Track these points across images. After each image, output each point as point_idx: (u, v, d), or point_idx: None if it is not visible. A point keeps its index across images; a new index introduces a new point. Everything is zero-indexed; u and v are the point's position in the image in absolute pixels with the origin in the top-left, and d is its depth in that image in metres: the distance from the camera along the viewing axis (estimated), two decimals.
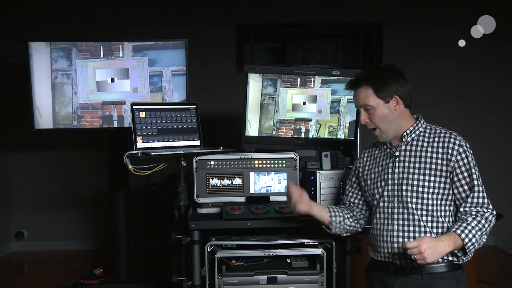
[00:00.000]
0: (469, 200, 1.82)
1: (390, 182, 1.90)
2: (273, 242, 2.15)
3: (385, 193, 1.91)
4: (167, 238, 2.25)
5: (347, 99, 2.44)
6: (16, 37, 4.15)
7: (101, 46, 3.03)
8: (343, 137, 2.48)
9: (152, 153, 2.20)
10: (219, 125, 4.19)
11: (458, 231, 1.75)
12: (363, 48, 4.57)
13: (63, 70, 3.03)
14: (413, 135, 1.90)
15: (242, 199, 2.30)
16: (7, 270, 4.02)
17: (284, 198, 2.30)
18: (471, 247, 1.76)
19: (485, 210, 1.80)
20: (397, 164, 1.89)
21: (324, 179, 2.34)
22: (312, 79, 2.43)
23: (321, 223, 2.04)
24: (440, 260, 1.79)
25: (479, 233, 1.76)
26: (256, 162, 2.32)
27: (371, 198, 1.98)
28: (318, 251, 2.13)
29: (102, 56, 3.04)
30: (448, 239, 1.74)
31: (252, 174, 2.31)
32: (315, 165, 2.44)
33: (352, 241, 2.27)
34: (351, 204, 2.10)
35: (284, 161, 2.32)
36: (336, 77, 2.42)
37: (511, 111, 4.44)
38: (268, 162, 2.32)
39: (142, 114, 2.34)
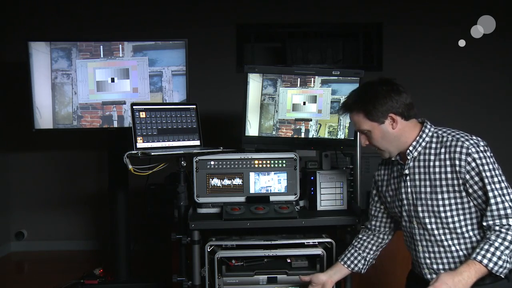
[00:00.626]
0: (488, 213, 1.61)
1: (405, 202, 1.79)
2: (273, 242, 2.15)
3: (404, 213, 1.81)
4: (167, 238, 2.25)
5: None
6: (16, 37, 4.16)
7: (101, 46, 3.03)
8: (343, 137, 2.48)
9: (152, 153, 2.20)
10: (219, 125, 4.19)
11: (479, 257, 1.56)
12: (363, 48, 4.57)
13: (63, 70, 3.03)
14: (419, 149, 1.74)
15: (242, 199, 2.30)
16: (7, 270, 4.02)
17: (284, 198, 2.31)
18: (501, 269, 1.55)
19: (511, 223, 1.58)
20: (408, 184, 1.77)
21: (324, 179, 2.34)
22: (312, 79, 2.42)
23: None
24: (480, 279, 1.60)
25: (506, 251, 1.55)
26: (256, 162, 2.32)
27: (394, 215, 1.91)
28: (318, 251, 2.13)
29: (102, 56, 3.04)
30: (468, 269, 1.56)
31: (252, 174, 2.31)
32: (315, 165, 2.44)
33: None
34: (375, 228, 2.01)
35: (284, 161, 2.32)
36: (336, 77, 2.42)
37: (511, 111, 4.44)
38: (268, 162, 2.32)
39: (142, 114, 2.34)
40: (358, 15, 4.43)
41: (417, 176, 1.75)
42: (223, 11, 4.41)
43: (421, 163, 1.74)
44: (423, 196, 1.73)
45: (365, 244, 2.00)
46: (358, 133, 1.85)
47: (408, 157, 1.76)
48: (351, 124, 2.47)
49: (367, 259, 1.99)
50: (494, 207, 1.60)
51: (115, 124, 3.07)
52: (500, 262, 1.55)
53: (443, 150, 1.69)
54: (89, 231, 4.45)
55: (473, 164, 1.63)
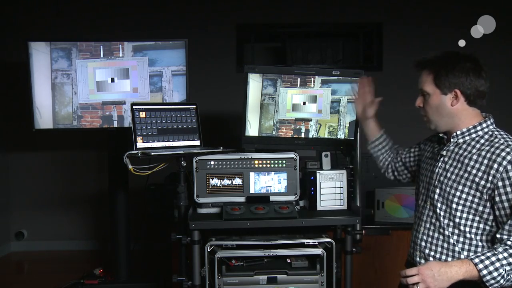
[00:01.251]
0: (507, 227, 1.56)
1: (428, 180, 1.79)
2: (273, 242, 2.15)
3: (423, 191, 1.82)
4: (167, 238, 2.25)
5: (347, 99, 2.44)
6: (16, 37, 4.16)
7: (101, 46, 3.03)
8: (343, 137, 2.48)
9: (152, 153, 2.20)
10: (219, 125, 4.19)
11: (476, 260, 1.52)
12: (363, 48, 4.57)
13: (63, 70, 3.03)
14: (466, 137, 1.70)
15: (242, 199, 2.30)
16: (7, 270, 4.02)
17: (284, 198, 2.30)
18: (492, 281, 1.50)
19: None
20: (439, 164, 1.75)
21: (324, 179, 2.34)
22: (312, 79, 2.42)
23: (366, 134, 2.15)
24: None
25: (507, 267, 1.50)
26: (256, 162, 2.32)
27: (416, 186, 1.92)
28: (318, 251, 2.13)
29: (102, 56, 3.04)
30: (459, 265, 1.54)
31: (252, 174, 2.31)
32: (315, 165, 2.44)
33: (352, 241, 2.27)
34: (400, 160, 2.11)
35: (284, 161, 2.32)
36: (336, 77, 2.42)
37: (511, 111, 4.43)
38: (268, 162, 2.32)
39: (142, 114, 2.34)
40: (358, 15, 4.43)
41: (450, 161, 1.72)
42: (223, 11, 4.41)
43: (461, 151, 1.70)
44: (445, 181, 1.70)
45: (393, 155, 2.16)
46: (420, 91, 1.77)
47: (452, 140, 1.72)
48: (351, 124, 2.47)
49: (388, 146, 2.17)
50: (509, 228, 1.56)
51: (115, 124, 3.07)
52: (495, 274, 1.50)
53: (487, 148, 1.64)
54: (89, 231, 4.45)
55: (510, 174, 1.56)
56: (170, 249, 2.83)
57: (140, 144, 2.30)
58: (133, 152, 2.21)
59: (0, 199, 4.33)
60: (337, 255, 2.17)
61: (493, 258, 1.51)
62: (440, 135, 1.79)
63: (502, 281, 1.51)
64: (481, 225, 1.64)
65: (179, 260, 2.29)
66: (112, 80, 3.04)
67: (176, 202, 2.28)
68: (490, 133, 1.68)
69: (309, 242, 2.17)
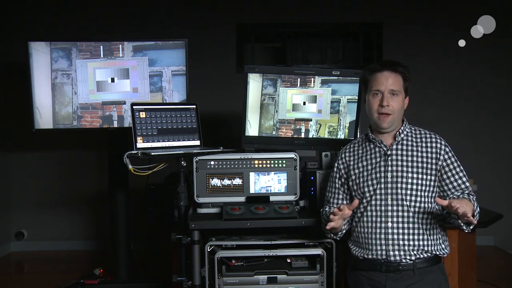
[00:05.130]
0: (460, 189, 1.95)
1: (383, 180, 1.94)
2: (273, 242, 2.15)
3: (378, 191, 1.94)
4: (167, 238, 2.25)
5: (347, 99, 2.44)
6: (16, 37, 4.16)
7: (101, 46, 3.03)
8: (343, 137, 2.48)
9: (152, 153, 2.20)
10: (219, 125, 4.19)
11: (470, 197, 1.92)
12: (363, 48, 4.57)
13: (63, 70, 3.03)
14: (402, 135, 1.99)
15: (242, 199, 2.30)
16: (7, 270, 4.02)
17: (284, 198, 2.31)
18: (477, 215, 1.88)
19: (473, 194, 1.96)
20: (389, 163, 1.95)
21: (324, 179, 2.34)
22: (312, 79, 2.43)
23: (332, 231, 2.01)
24: (429, 254, 1.91)
25: (478, 208, 1.90)
26: (256, 162, 2.32)
27: (361, 196, 1.98)
28: (318, 251, 2.13)
29: (102, 56, 3.04)
30: (471, 204, 1.87)
31: (252, 174, 2.31)
32: (315, 165, 2.44)
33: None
34: (341, 200, 2.10)
35: (284, 161, 2.32)
36: (336, 77, 2.43)
37: (511, 111, 4.44)
38: (268, 162, 2.32)
39: (142, 114, 2.34)
40: (358, 15, 4.43)
41: (399, 157, 1.96)
42: (223, 11, 4.41)
43: (404, 147, 1.98)
44: (405, 175, 1.93)
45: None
46: (383, 93, 1.96)
47: (396, 139, 1.98)
48: (351, 124, 2.47)
49: (346, 224, 2.06)
50: (467, 184, 1.96)
51: (115, 124, 3.07)
52: (477, 210, 1.90)
53: (423, 139, 1.99)
54: (89, 231, 4.45)
55: (450, 154, 1.97)
56: (170, 249, 2.83)
57: (140, 144, 2.30)
58: (133, 152, 2.21)
59: (0, 199, 4.33)
60: (337, 255, 2.17)
61: (475, 203, 1.90)
62: (372, 136, 2.01)
63: (478, 216, 1.89)
64: (433, 200, 1.95)
65: (179, 260, 2.29)
66: (112, 80, 3.04)
67: (176, 202, 2.28)
68: (413, 129, 2.03)
69: (309, 242, 2.17)
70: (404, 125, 2.01)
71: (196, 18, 4.37)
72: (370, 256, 1.93)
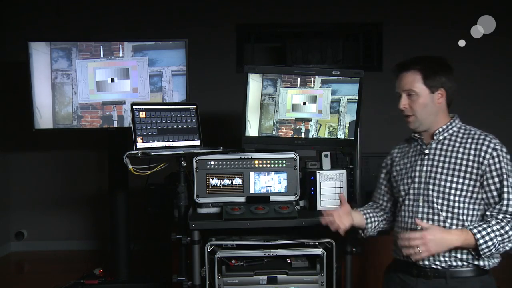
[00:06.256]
0: (498, 207, 1.73)
1: (416, 180, 1.85)
2: (273, 242, 2.15)
3: (411, 191, 1.86)
4: (167, 238, 2.25)
5: (347, 99, 2.44)
6: (16, 37, 4.16)
7: (101, 46, 3.03)
8: (343, 137, 2.48)
9: (152, 153, 2.20)
10: (219, 125, 4.19)
11: (475, 230, 1.68)
12: (363, 48, 4.57)
13: (63, 70, 3.03)
14: (445, 134, 1.84)
15: (242, 199, 2.30)
16: (7, 270, 4.03)
17: (284, 198, 2.30)
18: (486, 249, 1.67)
19: (509, 219, 1.70)
20: (425, 162, 1.84)
21: (324, 179, 2.34)
22: (312, 79, 2.42)
23: (356, 228, 2.01)
24: (466, 263, 1.74)
25: (499, 238, 1.67)
26: (256, 162, 2.32)
27: (398, 195, 1.93)
28: (318, 251, 2.13)
29: (102, 56, 3.04)
30: (459, 234, 1.69)
31: (252, 174, 2.31)
32: (315, 165, 2.44)
33: (352, 241, 2.27)
34: (383, 205, 2.08)
35: (284, 161, 2.32)
36: (336, 77, 2.42)
37: (511, 111, 4.44)
38: (268, 162, 2.32)
39: (142, 114, 2.34)
40: (358, 15, 4.43)
41: (436, 157, 1.82)
42: (223, 11, 4.41)
43: (444, 147, 1.82)
44: (438, 176, 1.79)
45: (379, 210, 2.07)
46: (401, 95, 1.86)
47: (434, 137, 1.84)
48: (351, 124, 2.47)
49: (378, 224, 2.03)
50: (505, 202, 1.71)
51: (115, 124, 3.07)
52: (489, 243, 1.66)
53: (469, 140, 1.79)
54: (89, 231, 4.45)
55: (496, 160, 1.73)
56: (170, 249, 2.83)
57: (140, 144, 2.30)
58: (133, 152, 2.21)
59: (0, 199, 4.33)
60: (337, 255, 2.17)
61: (489, 230, 1.67)
62: (416, 136, 1.90)
63: (493, 249, 1.68)
64: (476, 208, 1.77)
65: (179, 260, 2.29)
66: (112, 80, 3.04)
67: (176, 202, 2.28)
68: (463, 128, 1.85)
69: (309, 242, 2.17)
70: (449, 123, 1.85)
71: (196, 18, 4.37)
72: (402, 258, 1.85)
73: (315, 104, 2.45)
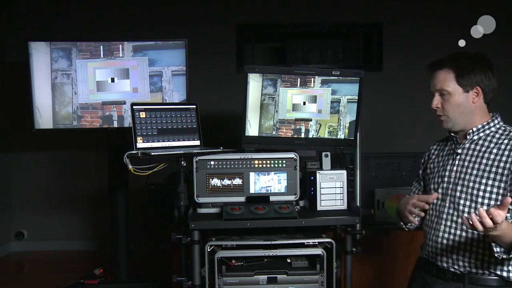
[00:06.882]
0: None
1: (446, 179, 1.79)
2: (273, 242, 2.15)
3: (439, 190, 1.81)
4: (167, 238, 2.25)
5: (347, 99, 2.44)
6: (16, 37, 4.16)
7: (101, 46, 3.03)
8: (343, 137, 2.48)
9: (152, 153, 2.20)
10: (219, 125, 4.19)
11: None
12: (363, 48, 4.57)
13: (63, 70, 3.03)
14: (481, 134, 1.77)
15: (242, 199, 2.30)
16: (7, 270, 4.03)
17: (284, 198, 2.30)
18: None
19: None
20: (456, 162, 1.78)
21: (324, 179, 2.34)
22: (312, 79, 2.42)
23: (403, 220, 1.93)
24: (487, 272, 1.68)
25: None
26: (256, 162, 2.31)
27: (429, 193, 1.89)
28: (318, 251, 2.13)
29: (102, 56, 3.04)
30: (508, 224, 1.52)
31: (252, 174, 2.31)
32: (315, 165, 2.44)
33: (352, 241, 2.27)
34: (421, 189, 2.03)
35: (284, 161, 2.32)
36: (336, 77, 2.42)
37: (511, 111, 4.43)
38: (268, 162, 2.32)
39: (142, 114, 2.34)
40: (358, 15, 4.43)
41: (468, 158, 1.76)
42: (223, 11, 4.42)
43: (478, 147, 1.75)
44: (467, 177, 1.73)
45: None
46: (435, 93, 1.81)
47: (468, 137, 1.78)
48: (351, 124, 2.47)
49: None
50: None
51: (115, 124, 3.07)
52: None
53: (506, 141, 1.71)
54: (89, 231, 4.45)
55: None
56: (170, 249, 2.83)
57: (140, 144, 2.30)
58: (133, 152, 2.20)
59: (0, 199, 4.33)
60: (337, 255, 2.17)
61: None
62: (452, 134, 1.83)
63: None
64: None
65: (179, 260, 2.29)
66: (112, 80, 3.04)
67: (176, 202, 2.28)
68: (503, 128, 1.77)
69: (309, 242, 2.16)
70: (486, 123, 1.77)
71: (196, 18, 4.37)
72: (425, 256, 1.85)
73: (315, 104, 2.44)
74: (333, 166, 2.43)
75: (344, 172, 2.36)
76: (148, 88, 3.06)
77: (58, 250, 4.36)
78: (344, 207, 2.34)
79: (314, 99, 2.44)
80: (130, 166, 2.15)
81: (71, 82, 3.03)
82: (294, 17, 4.44)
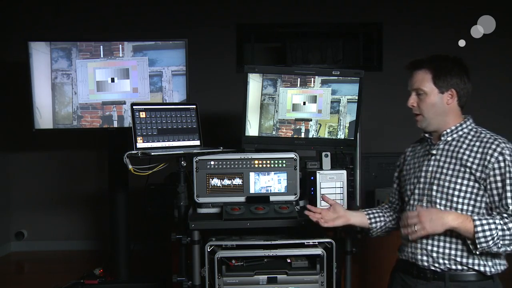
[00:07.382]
0: (503, 209, 1.69)
1: (422, 180, 1.83)
2: (273, 242, 2.15)
3: (416, 191, 1.85)
4: (167, 238, 2.25)
5: (347, 99, 2.44)
6: (16, 37, 4.16)
7: (101, 46, 3.03)
8: (343, 137, 2.48)
9: (152, 153, 2.20)
10: (219, 125, 4.19)
11: (475, 217, 1.66)
12: (363, 48, 4.57)
13: (63, 70, 3.03)
14: (454, 135, 1.81)
15: (242, 199, 2.30)
16: (7, 270, 4.03)
17: (284, 198, 2.31)
18: (482, 239, 1.63)
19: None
20: (432, 163, 1.82)
21: (324, 179, 2.34)
22: (312, 79, 2.42)
23: (363, 229, 2.04)
24: (466, 268, 1.72)
25: (500, 232, 1.63)
26: (256, 162, 2.32)
27: (404, 194, 1.93)
28: (318, 251, 2.13)
29: (102, 56, 3.04)
30: (457, 215, 1.68)
31: (252, 174, 2.31)
32: (315, 165, 2.44)
33: (352, 241, 2.27)
34: (393, 205, 2.07)
35: (284, 161, 2.32)
36: (336, 77, 2.42)
37: (511, 111, 4.43)
38: (268, 162, 2.32)
39: (142, 114, 2.34)
40: (358, 15, 4.43)
41: (443, 158, 1.80)
42: (223, 11, 4.42)
43: (451, 148, 1.80)
44: (442, 177, 1.78)
45: (389, 211, 2.06)
46: (412, 92, 1.86)
47: (442, 138, 1.82)
48: (351, 124, 2.47)
49: (386, 224, 2.03)
50: (509, 201, 1.67)
51: (115, 124, 3.07)
52: (487, 233, 1.63)
53: (478, 143, 1.76)
54: (89, 231, 4.45)
55: (502, 164, 1.69)
56: (170, 249, 2.83)
57: (140, 144, 2.30)
58: (133, 152, 2.21)
59: (0, 199, 4.33)
60: (337, 255, 2.17)
61: (490, 221, 1.64)
62: (426, 135, 1.87)
63: (491, 243, 1.63)
64: (479, 212, 1.73)
65: (179, 260, 2.29)
66: (112, 80, 3.04)
67: (176, 202, 2.28)
68: (474, 130, 1.82)
69: (309, 242, 2.17)
70: (459, 124, 1.82)
71: (196, 18, 4.37)
72: (404, 257, 1.86)
73: (315, 104, 2.45)
74: (333, 166, 2.43)
75: (344, 172, 2.36)
76: (148, 88, 3.06)
77: (58, 250, 4.36)
78: (344, 207, 2.34)
79: (314, 99, 2.44)
80: (130, 166, 2.16)
81: (71, 82, 3.03)
82: (294, 17, 4.44)
